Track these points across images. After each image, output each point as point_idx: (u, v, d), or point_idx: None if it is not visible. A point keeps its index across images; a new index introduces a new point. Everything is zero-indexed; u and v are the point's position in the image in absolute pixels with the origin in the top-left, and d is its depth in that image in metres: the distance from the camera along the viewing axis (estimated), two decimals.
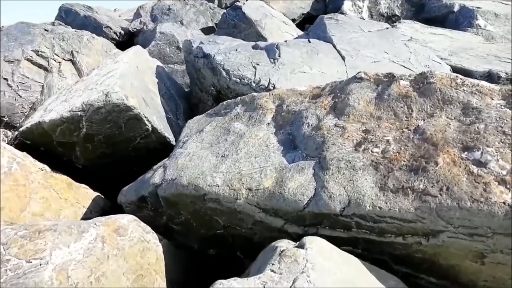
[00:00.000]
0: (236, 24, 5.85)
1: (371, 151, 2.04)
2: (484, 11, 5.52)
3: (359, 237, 1.93)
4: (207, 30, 7.04)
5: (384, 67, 3.75)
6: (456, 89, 2.09)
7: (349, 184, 1.94)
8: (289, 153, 2.45)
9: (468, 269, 1.74)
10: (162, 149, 3.88)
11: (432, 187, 1.72)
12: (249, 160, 2.47)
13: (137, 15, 7.89)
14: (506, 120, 1.78)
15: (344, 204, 1.89)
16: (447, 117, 2.00)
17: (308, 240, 1.75)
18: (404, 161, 1.90)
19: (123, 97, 3.43)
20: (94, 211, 3.71)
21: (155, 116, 3.87)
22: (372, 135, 2.13)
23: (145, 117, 3.66)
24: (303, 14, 8.20)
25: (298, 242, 1.78)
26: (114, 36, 7.72)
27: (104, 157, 3.98)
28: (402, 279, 1.96)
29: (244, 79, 3.71)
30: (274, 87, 3.60)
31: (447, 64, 4.07)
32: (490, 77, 3.84)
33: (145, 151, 3.99)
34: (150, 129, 3.76)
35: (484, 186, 1.61)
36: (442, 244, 1.69)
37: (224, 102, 3.36)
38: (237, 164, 2.46)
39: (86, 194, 3.78)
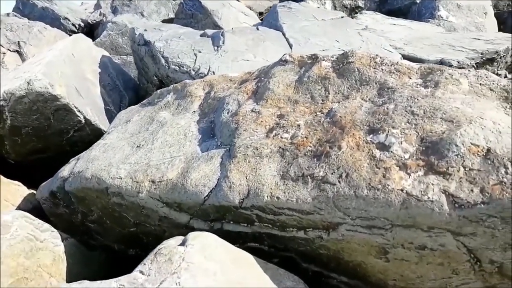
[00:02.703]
0: (193, 14, 5.62)
1: (281, 137, 1.85)
2: (446, 2, 5.40)
3: (262, 231, 1.73)
4: (168, 22, 6.79)
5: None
6: (374, 68, 1.91)
7: (252, 172, 1.74)
8: (205, 142, 2.24)
9: (374, 267, 1.55)
10: None
11: (332, 174, 1.53)
12: (162, 150, 2.26)
13: (97, 6, 7.60)
14: (417, 99, 1.60)
15: (244, 195, 1.69)
16: (362, 99, 1.82)
17: (192, 236, 1.54)
18: (310, 146, 1.70)
19: (47, 85, 3.18)
20: (25, 210, 3.43)
21: (90, 107, 3.63)
22: (285, 120, 1.93)
23: (76, 107, 3.41)
24: (270, 7, 8.00)
25: (182, 239, 1.57)
26: (73, 28, 7.41)
27: (37, 152, 3.72)
28: (313, 279, 1.77)
29: (183, 67, 3.49)
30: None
31: (400, 53, 3.91)
32: (442, 65, 3.69)
33: (81, 145, 3.73)
34: (83, 121, 3.52)
35: (384, 172, 1.43)
36: (343, 238, 1.50)
37: (158, 91, 3.14)
38: (149, 154, 2.24)
39: (17, 192, 3.50)
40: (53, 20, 7.32)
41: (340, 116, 1.74)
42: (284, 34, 3.99)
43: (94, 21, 7.30)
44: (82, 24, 7.54)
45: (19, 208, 3.39)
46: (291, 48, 3.75)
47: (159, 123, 2.59)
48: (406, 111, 1.57)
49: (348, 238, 1.49)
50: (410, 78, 1.79)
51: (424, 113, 1.52)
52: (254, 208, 1.66)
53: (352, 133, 1.62)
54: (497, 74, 3.93)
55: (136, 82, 5.03)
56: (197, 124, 2.45)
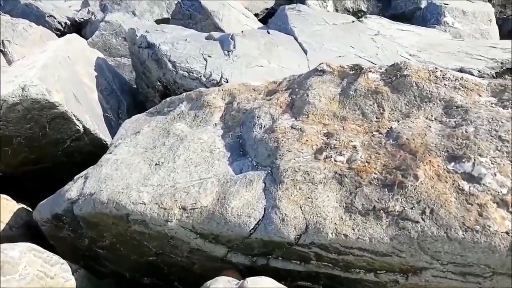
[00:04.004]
0: (192, 15, 5.35)
1: (334, 160, 1.63)
2: (451, 8, 5.31)
3: (320, 271, 1.50)
4: (162, 22, 6.48)
5: (350, 62, 3.38)
6: (435, 83, 1.71)
7: (306, 202, 1.51)
8: (237, 161, 2.00)
9: None
10: (99, 153, 3.32)
11: (412, 209, 1.31)
12: (188, 169, 2.00)
13: (85, 4, 7.20)
14: (501, 122, 1.41)
15: (301, 230, 1.46)
16: (427, 118, 1.61)
17: (251, 282, 1.30)
18: (375, 173, 1.49)
19: (44, 91, 2.86)
20: (15, 227, 3.09)
21: (89, 115, 3.32)
22: (336, 140, 1.72)
23: (74, 115, 3.10)
24: (266, 9, 7.79)
25: (238, 284, 1.33)
26: (59, 26, 6.99)
27: (30, 163, 3.38)
28: None
29: (192, 73, 3.23)
30: (227, 82, 3.14)
31: (416, 60, 3.76)
32: None
33: (79, 156, 3.42)
34: (82, 129, 3.20)
35: (479, 209, 1.22)
36: (426, 284, 1.29)
37: (168, 99, 2.87)
38: (173, 174, 1.99)
39: (6, 206, 3.16)
40: (38, 17, 6.88)
41: (406, 138, 1.53)
42: (296, 39, 3.78)
43: (82, 20, 6.91)
44: (68, 23, 7.13)
45: (8, 225, 3.05)
46: (305, 53, 3.54)
47: (177, 137, 2.33)
48: (491, 136, 1.38)
49: (433, 285, 1.28)
50: (480, 96, 1.60)
51: None
52: (314, 245, 1.44)
53: (428, 159, 1.41)
54: None
55: (132, 86, 4.72)
56: (222, 140, 2.21)
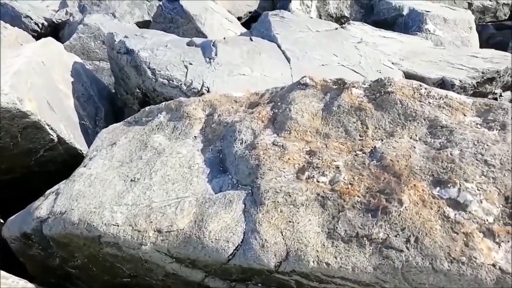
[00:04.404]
0: (174, 19, 5.23)
1: (317, 181, 1.57)
2: (433, 15, 5.34)
3: None
4: (143, 25, 6.34)
5: (333, 71, 3.34)
6: (420, 101, 1.67)
7: (288, 227, 1.45)
8: (216, 178, 1.92)
9: None
10: (74, 162, 3.19)
11: (396, 236, 1.26)
12: (165, 187, 1.92)
13: (63, 4, 6.99)
14: (487, 145, 1.37)
15: (281, 257, 1.39)
16: (411, 138, 1.57)
17: None
18: (358, 196, 1.43)
19: (15, 99, 2.72)
20: None
21: (63, 123, 3.18)
22: (319, 159, 1.66)
23: (48, 124, 2.96)
24: (250, 12, 7.72)
25: None
26: (36, 27, 6.77)
27: (1, 173, 3.22)
28: None
29: (173, 81, 3.14)
30: (208, 91, 3.06)
31: (399, 69, 3.75)
32: (444, 84, 3.56)
33: (53, 165, 3.28)
34: (56, 139, 3.06)
35: (465, 239, 1.18)
36: None
37: (147, 108, 2.77)
38: (149, 192, 1.90)
39: None
40: (13, 18, 6.65)
41: (391, 160, 1.48)
42: (279, 46, 3.72)
43: (60, 21, 6.70)
44: (46, 24, 6.91)
45: None
46: (289, 61, 3.49)
47: (155, 150, 2.24)
48: (477, 160, 1.34)
49: None
50: (465, 115, 1.57)
51: (501, 164, 1.30)
52: (295, 273, 1.38)
53: (412, 183, 1.37)
54: (493, 93, 3.87)
55: (111, 91, 4.59)
56: (201, 154, 2.13)
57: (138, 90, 3.52)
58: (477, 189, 1.26)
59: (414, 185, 1.36)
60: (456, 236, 1.20)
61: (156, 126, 2.50)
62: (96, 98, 4.08)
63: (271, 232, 1.45)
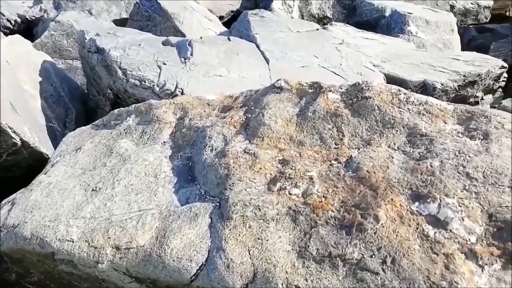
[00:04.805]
0: (151, 17, 5.06)
1: (289, 193, 1.45)
2: (415, 17, 5.30)
3: None
4: (120, 23, 6.13)
5: (313, 73, 3.24)
6: (399, 107, 1.57)
7: (256, 244, 1.33)
8: (184, 188, 1.79)
9: None
10: (40, 167, 3.01)
11: (371, 257, 1.15)
12: (127, 197, 1.77)
13: (38, 1, 6.73)
14: (469, 156, 1.27)
15: (247, 278, 1.27)
16: (389, 146, 1.47)
17: None
18: (332, 211, 1.32)
19: None
20: None
21: (28, 126, 3.00)
22: (291, 168, 1.54)
23: (10, 127, 2.78)
24: (232, 11, 7.58)
25: None
26: (8, 24, 6.50)
27: None
28: None
29: (145, 81, 2.98)
30: (182, 93, 2.92)
31: (380, 71, 3.67)
32: (425, 87, 3.50)
33: (18, 170, 3.09)
34: (19, 143, 2.88)
35: (445, 260, 1.08)
36: None
37: (116, 111, 2.62)
38: (109, 204, 1.75)
39: None
40: None
41: (367, 171, 1.38)
42: (258, 46, 3.60)
43: (33, 18, 6.44)
44: (19, 20, 6.64)
45: None
46: (267, 62, 3.37)
47: (120, 157, 2.10)
48: (458, 172, 1.24)
49: None
50: (446, 123, 1.47)
51: (484, 177, 1.20)
52: None
53: (390, 198, 1.26)
54: (475, 97, 3.83)
55: (84, 91, 4.39)
56: (169, 161, 1.99)
57: (109, 91, 3.36)
58: (459, 205, 1.16)
59: (392, 199, 1.26)
60: (436, 257, 1.09)
61: (124, 130, 2.36)
62: (66, 98, 3.89)
63: (237, 250, 1.33)
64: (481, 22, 7.42)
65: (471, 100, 3.75)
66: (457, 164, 1.27)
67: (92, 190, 1.88)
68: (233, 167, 1.65)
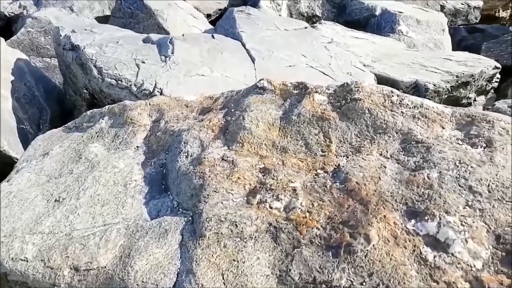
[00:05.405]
0: (134, 14, 4.86)
1: (270, 207, 1.29)
2: (406, 16, 5.19)
3: None
4: (103, 20, 5.92)
5: (301, 73, 3.09)
6: (392, 110, 1.42)
7: (231, 267, 1.16)
8: (155, 199, 1.62)
9: None
10: (8, 172, 2.81)
11: (362, 284, 1.00)
12: (92, 210, 1.60)
13: None
14: (471, 167, 1.13)
15: None
16: (381, 154, 1.32)
17: None
18: (318, 228, 1.17)
19: None
20: None
21: None
22: (273, 178, 1.38)
23: None
24: (220, 9, 7.41)
25: None
26: None
27: None
28: None
29: (121, 81, 2.80)
30: (161, 93, 2.74)
31: (370, 71, 3.53)
32: (417, 88, 3.37)
33: None
34: None
35: None
36: None
37: (89, 112, 2.44)
38: (72, 217, 1.57)
39: None
40: None
41: (357, 182, 1.22)
42: (244, 45, 3.44)
43: (12, 14, 6.19)
44: None
45: None
46: (253, 62, 3.21)
47: (89, 163, 1.92)
48: (460, 186, 1.10)
49: None
50: (444, 128, 1.32)
51: (489, 191, 1.06)
52: None
53: (382, 214, 1.11)
54: (467, 98, 3.71)
55: (62, 91, 4.18)
56: (142, 169, 1.82)
57: (85, 91, 3.16)
58: (461, 224, 1.01)
59: (384, 216, 1.10)
60: (436, 286, 0.94)
61: (96, 133, 2.18)
62: (41, 99, 3.68)
63: (210, 274, 1.16)
64: (471, 23, 7.36)
65: (463, 101, 3.64)
66: (458, 176, 1.12)
67: (55, 200, 1.70)
68: (209, 176, 1.48)
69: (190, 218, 1.39)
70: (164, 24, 4.64)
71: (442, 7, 7.07)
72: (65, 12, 5.85)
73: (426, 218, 1.06)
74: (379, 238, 1.06)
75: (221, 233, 1.26)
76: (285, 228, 1.21)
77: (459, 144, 1.25)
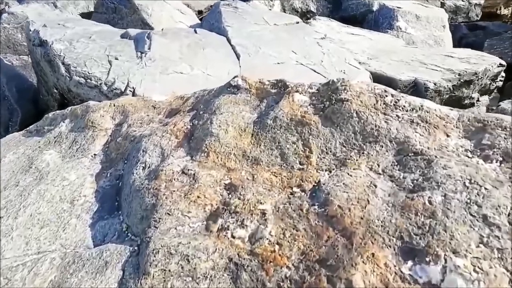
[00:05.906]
0: (117, 9, 4.61)
1: (232, 236, 1.03)
2: (405, 11, 4.93)
3: None
4: (88, 16, 5.66)
5: (290, 71, 2.83)
6: (385, 114, 1.16)
7: None
8: (104, 220, 1.36)
9: None
10: None
11: None
12: (29, 232, 1.34)
13: None
14: (485, 189, 0.87)
15: None
16: (371, 169, 1.06)
17: None
18: (288, 267, 0.91)
19: None
20: None
21: None
22: (239, 198, 1.12)
23: None
24: (211, 6, 7.16)
25: None
26: None
27: None
28: None
29: (90, 79, 2.54)
30: (133, 93, 2.49)
31: (366, 69, 3.28)
32: (416, 87, 3.11)
33: None
34: None
35: None
36: None
37: (50, 114, 2.21)
38: (4, 241, 1.32)
39: None
40: None
41: (339, 207, 0.96)
42: (229, 40, 3.18)
43: None
44: None
45: None
46: (238, 58, 2.95)
47: (38, 173, 1.67)
48: (471, 214, 0.84)
49: None
50: (448, 136, 1.06)
51: (510, 224, 0.79)
52: None
53: (370, 252, 0.85)
54: (470, 98, 3.46)
55: (38, 91, 3.92)
56: (95, 181, 1.56)
57: (55, 90, 2.90)
58: (474, 270, 0.75)
59: (373, 254, 0.84)
60: None
61: (54, 138, 1.93)
62: (12, 99, 3.42)
63: None
64: (472, 20, 7.13)
65: (466, 101, 3.38)
66: (468, 201, 0.86)
67: None
68: (163, 194, 1.22)
69: (136, 248, 1.13)
70: (148, 20, 4.38)
71: (443, 4, 6.83)
72: (48, 8, 5.59)
73: (427, 259, 0.80)
74: (365, 286, 0.80)
75: (169, 270, 1.00)
76: (248, 266, 0.95)
77: (469, 157, 0.99)
